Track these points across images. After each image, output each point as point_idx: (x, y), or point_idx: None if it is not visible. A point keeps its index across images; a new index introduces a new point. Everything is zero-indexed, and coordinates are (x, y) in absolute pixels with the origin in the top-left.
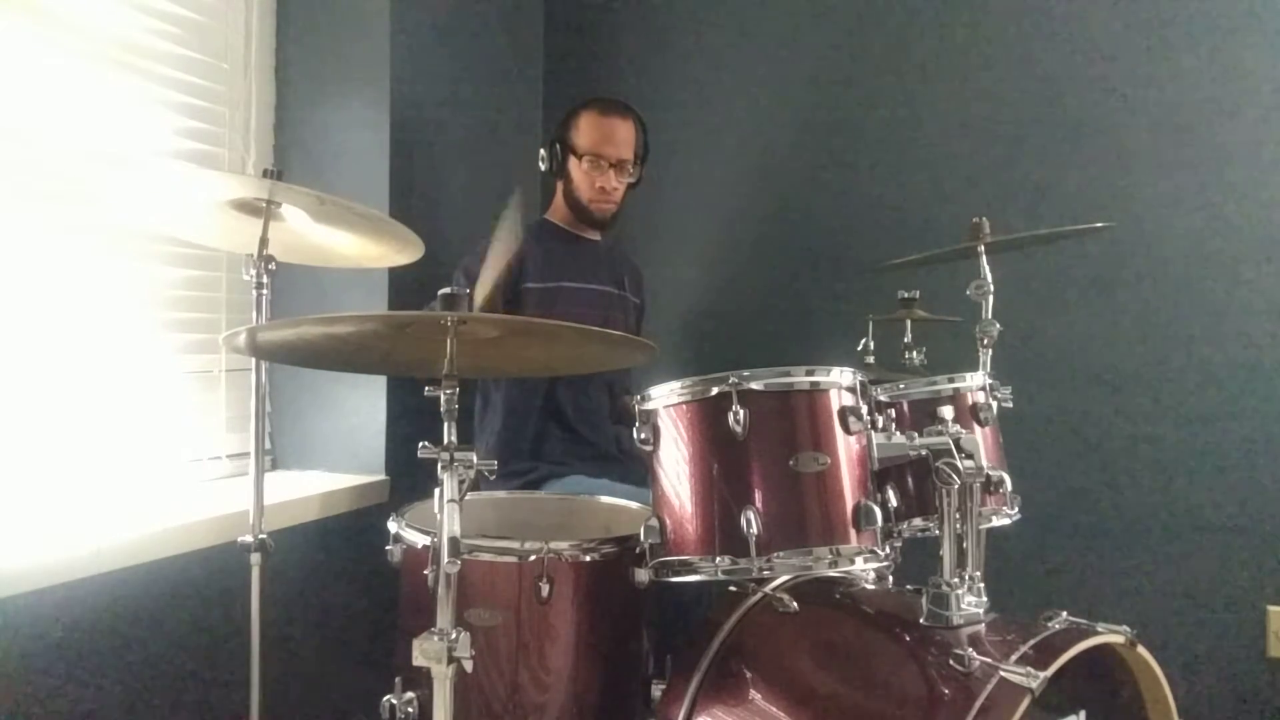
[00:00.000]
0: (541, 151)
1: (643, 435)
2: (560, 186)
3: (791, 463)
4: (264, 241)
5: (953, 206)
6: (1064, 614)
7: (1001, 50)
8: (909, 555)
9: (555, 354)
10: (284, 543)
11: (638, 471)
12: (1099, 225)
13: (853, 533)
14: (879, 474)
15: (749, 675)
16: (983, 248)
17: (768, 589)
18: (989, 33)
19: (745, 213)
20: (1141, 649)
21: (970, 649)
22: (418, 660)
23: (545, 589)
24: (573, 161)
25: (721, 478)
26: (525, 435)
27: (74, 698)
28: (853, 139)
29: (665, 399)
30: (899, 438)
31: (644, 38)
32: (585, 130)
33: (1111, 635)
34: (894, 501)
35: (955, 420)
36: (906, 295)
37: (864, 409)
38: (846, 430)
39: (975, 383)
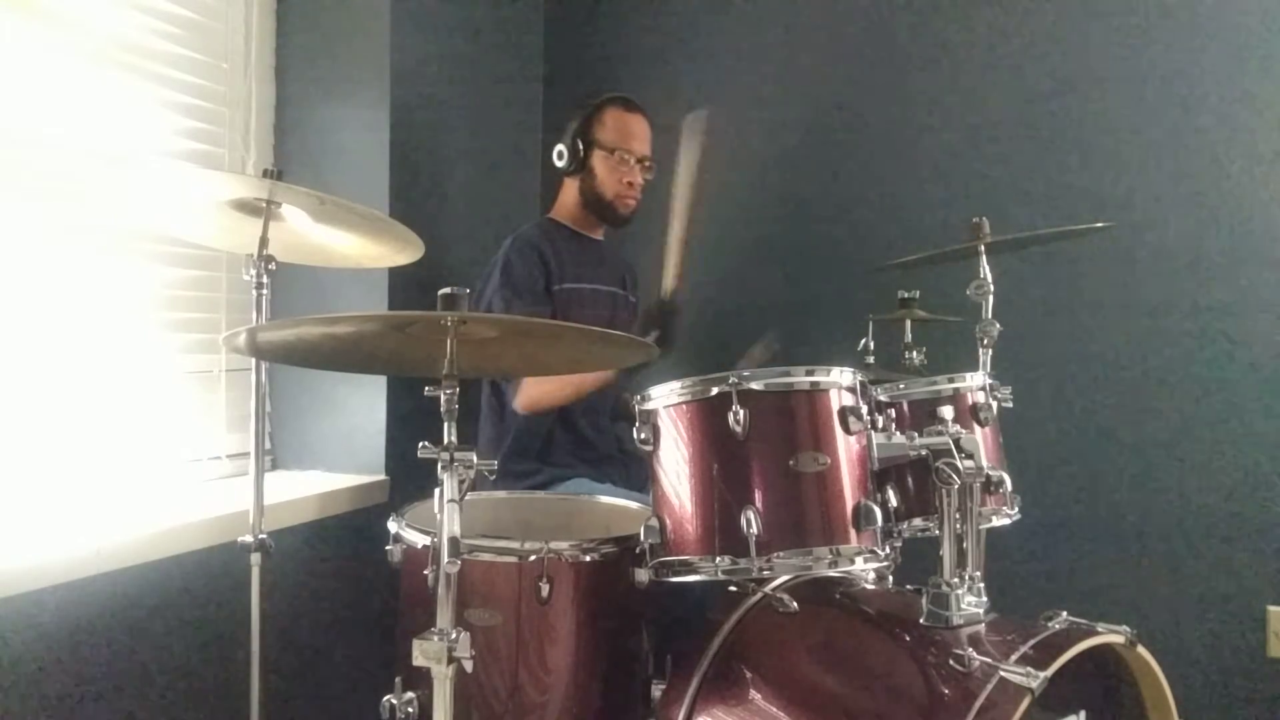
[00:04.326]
0: (559, 148)
1: (643, 435)
2: (575, 184)
3: (791, 463)
4: (264, 241)
5: (953, 206)
6: (1064, 614)
7: (1002, 50)
8: (909, 555)
9: (555, 354)
10: (284, 543)
11: (640, 474)
12: (1099, 225)
13: (853, 533)
14: (879, 474)
15: (749, 675)
16: (983, 248)
17: (768, 589)
18: (990, 33)
19: (745, 213)
20: (1141, 649)
21: (970, 649)
22: (418, 660)
23: (545, 589)
24: (598, 156)
25: (721, 478)
26: (538, 436)
27: (74, 697)
28: (853, 139)
29: (665, 399)
30: (899, 438)
31: (644, 38)
32: (611, 126)
33: (1111, 635)
34: (894, 501)
35: (955, 420)
36: (906, 295)
37: (864, 409)
38: (846, 430)
39: (975, 383)
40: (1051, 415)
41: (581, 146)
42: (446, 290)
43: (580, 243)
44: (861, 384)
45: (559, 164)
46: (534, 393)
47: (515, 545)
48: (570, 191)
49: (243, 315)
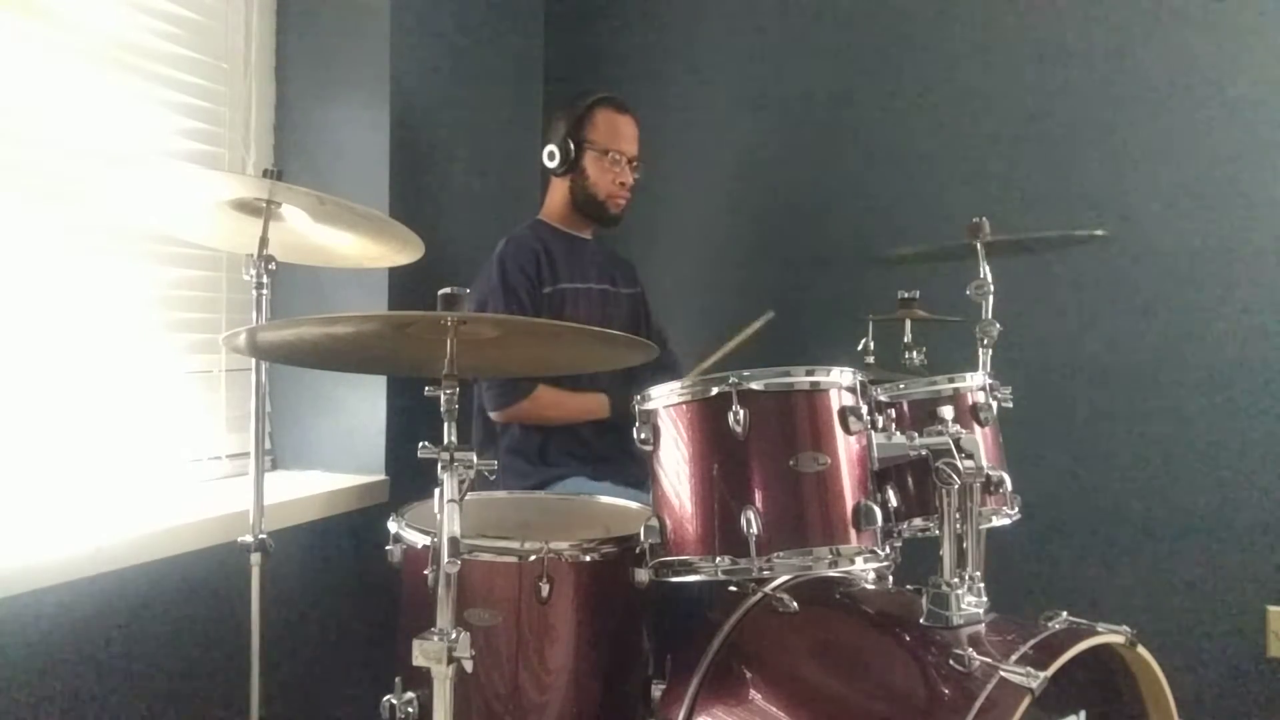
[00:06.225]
0: (550, 149)
1: (643, 435)
2: (566, 185)
3: (791, 463)
4: (264, 241)
5: (953, 207)
6: (1064, 614)
7: (1002, 50)
8: (909, 555)
9: (555, 354)
10: (284, 543)
11: (638, 474)
12: (1097, 233)
13: (853, 533)
14: (879, 474)
15: (749, 675)
16: (982, 248)
17: (768, 589)
18: (990, 33)
19: (745, 212)
20: (1141, 649)
21: (970, 649)
22: (418, 660)
23: (545, 589)
24: (589, 158)
25: (721, 478)
26: (536, 435)
27: (74, 698)
28: (853, 140)
29: (665, 399)
30: (899, 438)
31: (644, 37)
32: (602, 127)
33: (1111, 635)
34: (894, 501)
35: (955, 420)
36: (906, 295)
37: (864, 409)
38: (846, 430)
39: (975, 383)
40: (1051, 415)
41: (573, 147)
42: (446, 290)
43: (570, 243)
44: (861, 384)
45: (550, 165)
46: (535, 409)
47: (515, 545)
48: (560, 192)
49: (243, 315)
